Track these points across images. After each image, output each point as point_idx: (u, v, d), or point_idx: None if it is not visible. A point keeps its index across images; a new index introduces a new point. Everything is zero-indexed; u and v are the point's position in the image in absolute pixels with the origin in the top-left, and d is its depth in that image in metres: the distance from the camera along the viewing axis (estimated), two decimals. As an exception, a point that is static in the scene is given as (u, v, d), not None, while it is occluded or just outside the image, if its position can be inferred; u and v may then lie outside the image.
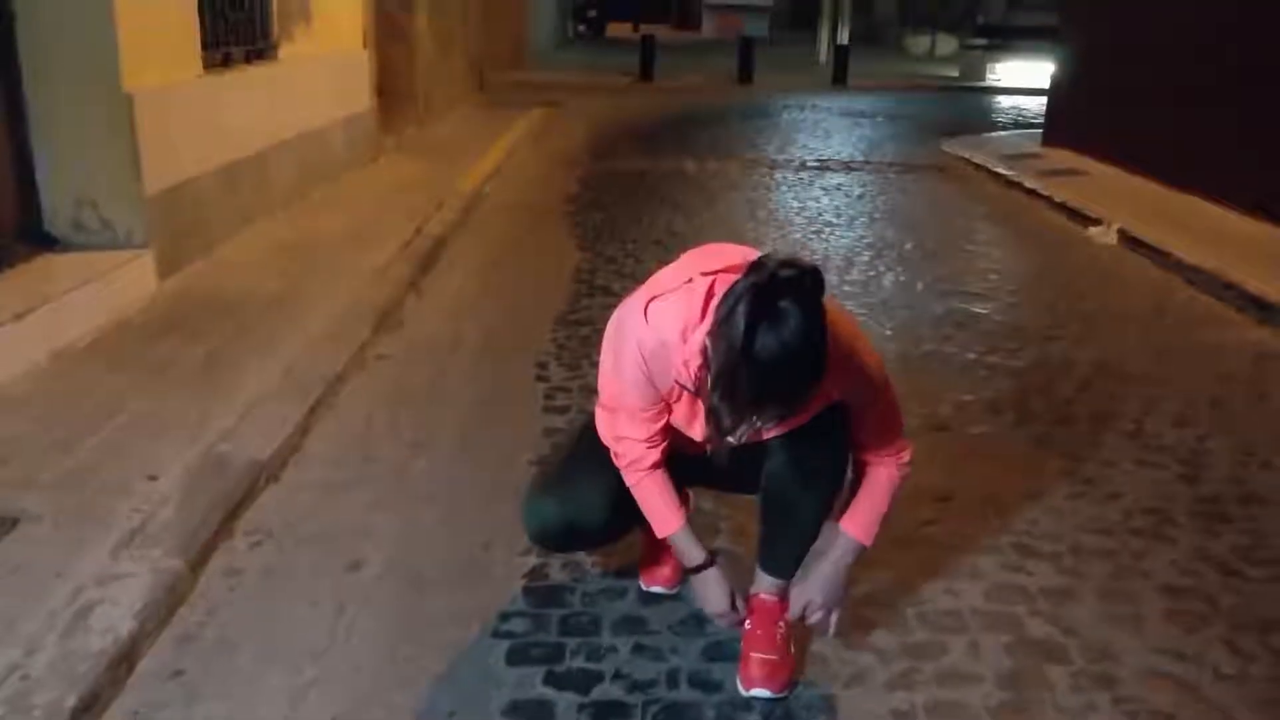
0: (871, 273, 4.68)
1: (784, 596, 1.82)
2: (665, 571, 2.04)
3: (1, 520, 2.09)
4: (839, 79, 14.58)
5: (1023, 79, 14.60)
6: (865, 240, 5.31)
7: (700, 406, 1.57)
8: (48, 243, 3.54)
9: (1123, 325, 4.12)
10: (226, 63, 4.50)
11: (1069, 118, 8.28)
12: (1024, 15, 19.81)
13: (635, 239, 5.19)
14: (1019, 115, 11.68)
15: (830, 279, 4.15)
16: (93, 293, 3.30)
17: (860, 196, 6.52)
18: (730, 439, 1.48)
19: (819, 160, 7.86)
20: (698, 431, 1.63)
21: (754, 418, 1.44)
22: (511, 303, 4.14)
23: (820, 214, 5.93)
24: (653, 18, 31.75)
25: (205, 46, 4.23)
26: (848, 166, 7.69)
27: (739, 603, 1.79)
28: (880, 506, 1.76)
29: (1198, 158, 6.27)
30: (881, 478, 1.76)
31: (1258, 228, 5.49)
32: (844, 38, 15.99)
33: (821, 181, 6.89)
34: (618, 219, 5.68)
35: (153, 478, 2.32)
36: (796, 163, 7.70)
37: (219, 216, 4.25)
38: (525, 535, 1.89)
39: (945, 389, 3.25)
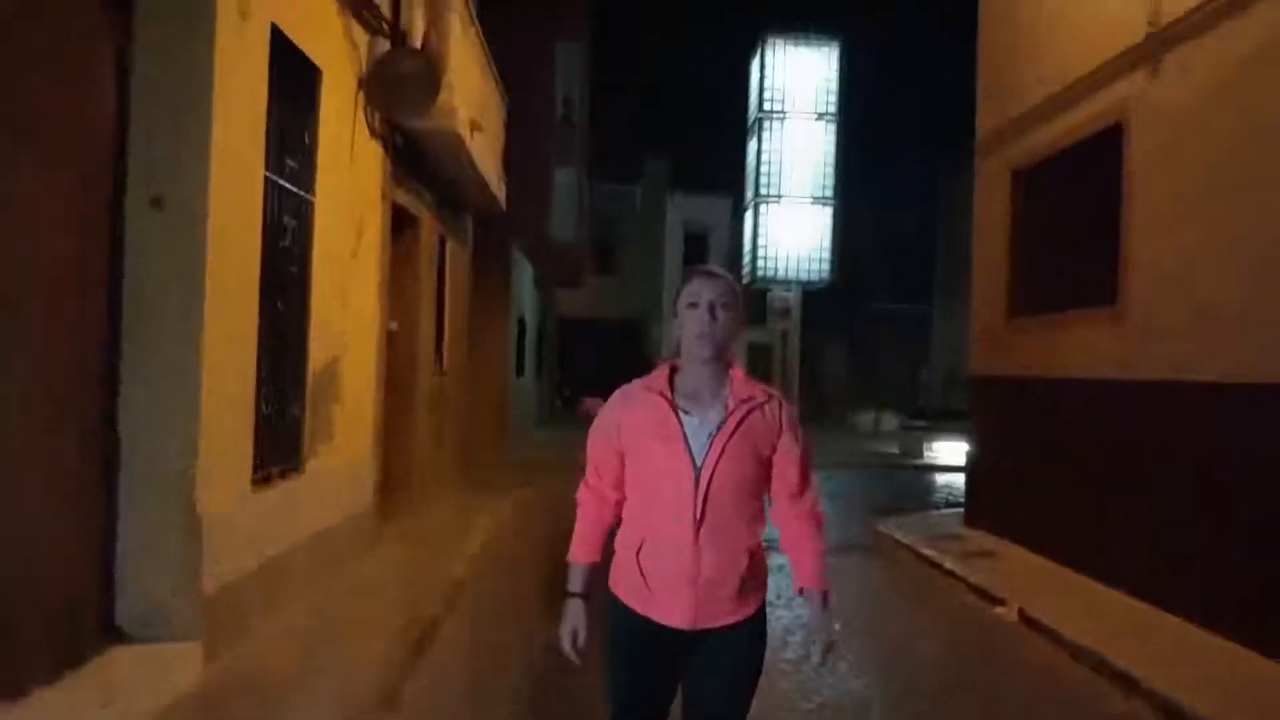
0: (803, 651, 5.47)
1: None
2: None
3: None
4: (790, 458, 16.06)
5: (956, 458, 16.15)
6: (800, 620, 6.13)
7: (668, 445, 2.42)
8: (118, 636, 4.31)
9: (1014, 699, 4.87)
10: (267, 481, 5.52)
11: (984, 503, 9.46)
12: (959, 398, 22.08)
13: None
14: (949, 494, 12.96)
15: (767, 657, 4.95)
16: (154, 680, 4.03)
17: (800, 578, 7.41)
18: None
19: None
20: (673, 460, 2.42)
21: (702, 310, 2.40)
22: (503, 681, 4.84)
23: (764, 595, 6.79)
24: (623, 395, 34.29)
25: (252, 469, 5.27)
26: (791, 548, 8.65)
27: (579, 638, 2.62)
28: (817, 549, 2.55)
29: (1092, 544, 7.30)
30: (805, 531, 2.55)
31: (1143, 610, 6.38)
32: (794, 419, 17.73)
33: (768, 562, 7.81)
34: (592, 600, 6.49)
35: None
36: (746, 545, 8.69)
37: (253, 608, 5.05)
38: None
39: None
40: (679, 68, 48.39)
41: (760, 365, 32.09)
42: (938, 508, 11.61)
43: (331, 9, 6.23)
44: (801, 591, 2.60)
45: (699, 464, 2.40)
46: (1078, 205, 8.00)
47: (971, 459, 9.94)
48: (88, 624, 4.22)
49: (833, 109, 18.63)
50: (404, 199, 8.23)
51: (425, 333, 9.38)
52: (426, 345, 9.50)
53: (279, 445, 5.68)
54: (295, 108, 5.74)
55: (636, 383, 2.55)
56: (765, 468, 2.50)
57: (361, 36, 6.87)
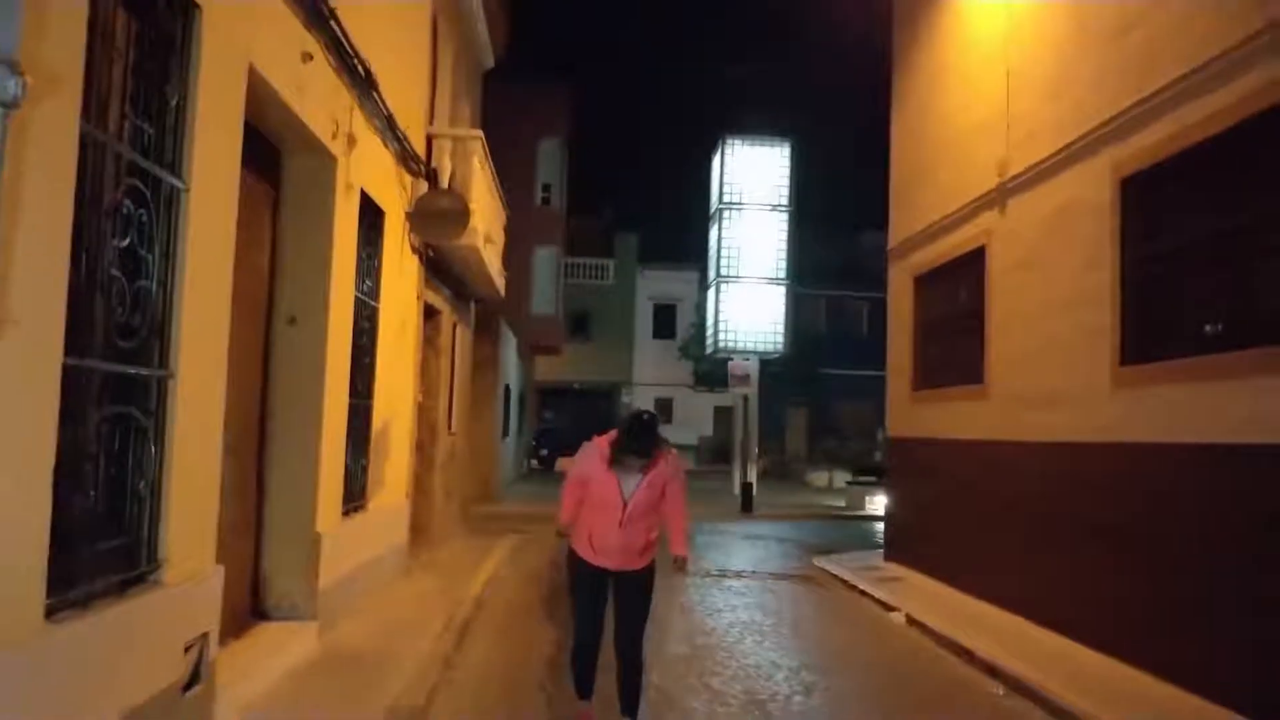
0: (739, 637, 7.50)
1: None
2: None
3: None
4: (746, 508, 18.15)
5: (894, 509, 18.25)
6: (741, 620, 8.17)
7: (607, 484, 4.55)
8: (263, 616, 6.27)
9: (886, 666, 6.91)
10: (348, 514, 7.51)
11: (898, 540, 11.55)
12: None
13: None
14: (879, 539, 14.99)
15: (711, 641, 6.98)
16: (293, 644, 5.98)
17: (743, 594, 9.47)
18: (632, 462, 4.51)
19: (719, 570, 10.91)
20: (609, 493, 4.57)
21: (634, 449, 4.46)
22: (518, 660, 6.82)
23: (714, 604, 8.86)
24: (596, 454, 36.27)
25: (342, 503, 7.26)
26: (739, 575, 10.72)
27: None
28: (683, 529, 4.86)
29: (969, 568, 9.39)
30: (679, 522, 4.84)
31: (998, 614, 8.47)
32: (751, 476, 19.80)
33: (719, 585, 9.87)
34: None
35: None
36: (703, 573, 10.72)
37: (342, 604, 7.01)
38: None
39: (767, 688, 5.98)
40: (650, 156, 51.63)
41: (724, 425, 34.38)
42: (867, 548, 13.63)
43: (391, 165, 8.41)
44: (674, 553, 4.96)
45: (626, 499, 4.69)
46: (961, 304, 10.25)
47: (889, 504, 12.06)
48: (247, 607, 6.19)
49: (784, 201, 21.05)
50: (431, 297, 10.35)
51: (442, 402, 11.42)
52: (443, 413, 11.53)
53: (354, 488, 7.70)
54: (370, 241, 7.87)
55: (593, 445, 4.75)
56: (661, 494, 4.74)
57: (407, 180, 9.04)
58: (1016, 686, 6.37)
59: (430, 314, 10.67)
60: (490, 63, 14.34)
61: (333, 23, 6.02)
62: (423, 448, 10.57)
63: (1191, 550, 6.18)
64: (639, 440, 4.60)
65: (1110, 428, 7.13)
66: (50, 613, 3.25)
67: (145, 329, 3.92)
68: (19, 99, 2.76)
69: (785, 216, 21.12)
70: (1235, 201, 6.00)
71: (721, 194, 21.22)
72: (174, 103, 4.07)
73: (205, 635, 4.56)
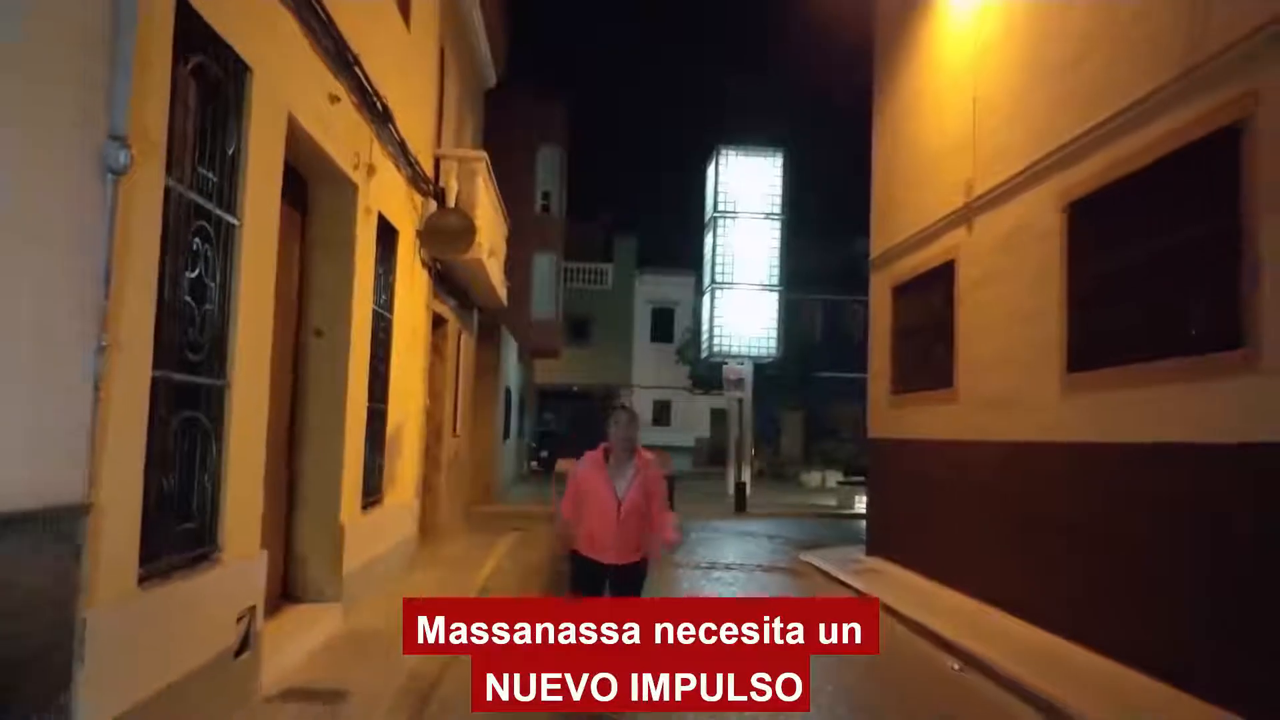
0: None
1: None
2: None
3: None
4: (740, 508, 18.86)
5: (881, 507, 18.93)
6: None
7: (604, 488, 5.24)
8: (293, 599, 6.97)
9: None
10: (366, 508, 8.21)
11: (878, 535, 12.26)
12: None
13: (588, 608, 8.67)
14: (864, 535, 15.71)
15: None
16: (320, 624, 6.68)
17: (730, 585, 10.17)
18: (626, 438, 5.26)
19: (710, 563, 11.61)
20: (606, 495, 5.26)
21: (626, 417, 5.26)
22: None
23: (702, 592, 9.55)
24: (595, 455, 37.00)
25: (362, 498, 7.96)
26: (728, 567, 11.42)
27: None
28: (667, 534, 5.34)
29: (940, 559, 10.09)
30: (666, 520, 5.35)
31: (964, 600, 9.17)
32: (745, 476, 20.52)
33: (708, 576, 10.57)
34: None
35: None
36: (694, 565, 11.43)
37: (361, 590, 7.71)
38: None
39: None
40: (649, 161, 52.53)
41: (720, 428, 35.09)
42: (852, 544, 14.31)
43: (404, 188, 9.12)
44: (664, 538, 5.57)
45: (620, 499, 5.29)
46: (934, 313, 10.95)
47: (870, 502, 12.76)
48: (279, 590, 6.89)
49: (777, 209, 21.78)
50: (438, 307, 11.06)
51: (447, 406, 12.13)
52: (448, 416, 12.23)
53: (372, 484, 8.40)
54: (385, 258, 8.58)
55: (588, 455, 5.41)
56: (649, 497, 5.39)
57: (418, 200, 9.75)
58: (972, 663, 7.09)
59: (437, 323, 11.38)
60: (492, 81, 15.07)
61: (356, 68, 6.73)
62: (429, 449, 11.27)
63: (1131, 539, 6.88)
64: (624, 412, 5.39)
65: (1059, 429, 7.83)
66: (141, 581, 3.96)
67: (208, 345, 4.63)
68: (128, 167, 3.49)
69: (778, 224, 21.85)
70: (1162, 227, 6.70)
71: (716, 203, 21.95)
72: (231, 152, 4.79)
73: (253, 609, 5.26)
